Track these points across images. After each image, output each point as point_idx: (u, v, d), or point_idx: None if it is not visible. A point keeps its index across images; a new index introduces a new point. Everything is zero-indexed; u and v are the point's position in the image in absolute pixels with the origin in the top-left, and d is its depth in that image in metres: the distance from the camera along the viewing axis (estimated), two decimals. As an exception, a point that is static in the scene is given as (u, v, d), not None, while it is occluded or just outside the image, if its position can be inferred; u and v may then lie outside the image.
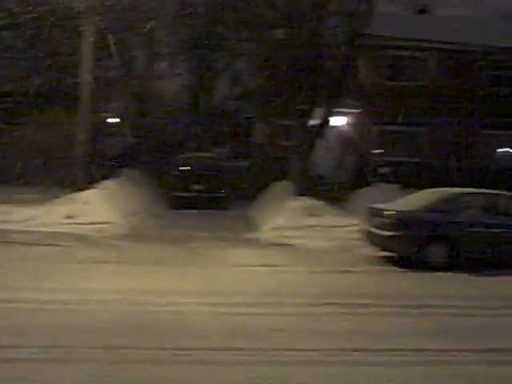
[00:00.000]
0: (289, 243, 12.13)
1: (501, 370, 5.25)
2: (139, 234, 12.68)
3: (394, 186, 16.90)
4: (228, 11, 19.23)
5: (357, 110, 20.06)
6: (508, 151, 19.83)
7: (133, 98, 27.28)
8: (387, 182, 18.07)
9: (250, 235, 13.07)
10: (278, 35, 16.61)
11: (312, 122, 15.83)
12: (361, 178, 18.85)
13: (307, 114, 15.73)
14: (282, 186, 16.72)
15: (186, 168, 18.62)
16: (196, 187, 18.02)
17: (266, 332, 6.03)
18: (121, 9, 15.27)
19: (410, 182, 16.99)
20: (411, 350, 5.68)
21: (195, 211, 17.05)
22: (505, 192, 11.48)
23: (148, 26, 16.48)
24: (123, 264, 9.42)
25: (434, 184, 13.12)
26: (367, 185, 18.01)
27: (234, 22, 18.92)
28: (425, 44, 20.43)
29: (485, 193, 11.05)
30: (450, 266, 9.82)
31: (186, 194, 17.95)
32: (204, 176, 18.19)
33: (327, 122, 16.13)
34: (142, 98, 27.39)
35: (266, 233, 13.13)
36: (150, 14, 16.40)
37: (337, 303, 7.34)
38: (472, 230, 10.09)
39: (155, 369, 4.95)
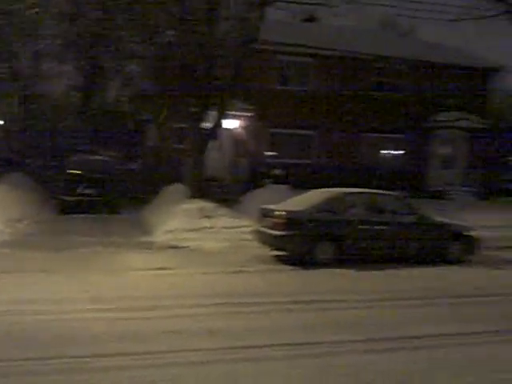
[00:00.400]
0: (183, 245, 12.10)
1: (379, 358, 5.56)
2: (24, 241, 12.02)
3: (286, 187, 17.37)
4: (119, 11, 18.83)
5: (249, 114, 20.41)
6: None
7: (18, 98, 25.93)
8: (279, 183, 18.55)
9: (143, 239, 12.86)
10: (170, 37, 16.52)
11: (205, 125, 15.88)
12: (254, 180, 19.21)
13: (200, 117, 15.76)
14: (176, 188, 16.63)
15: (76, 171, 17.96)
16: (86, 191, 17.44)
17: (158, 335, 5.99)
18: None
19: (301, 182, 17.55)
20: (301, 343, 5.87)
21: (86, 216, 16.49)
22: (388, 191, 12.20)
23: (32, 23, 15.74)
24: (6, 273, 8.90)
25: (323, 185, 13.63)
26: (260, 186, 18.37)
27: (125, 23, 18.56)
28: (312, 50, 21.21)
29: (369, 192, 11.65)
30: (338, 263, 10.25)
31: (75, 199, 17.30)
32: (95, 179, 17.63)
33: (220, 124, 16.26)
34: (28, 99, 26.12)
35: (159, 236, 12.99)
36: (33, 10, 15.67)
37: (229, 303, 7.43)
38: (357, 227, 10.62)
39: (43, 379, 4.75)
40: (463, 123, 23.56)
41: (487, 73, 25.11)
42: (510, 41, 22.37)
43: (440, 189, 23.05)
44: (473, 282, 9.63)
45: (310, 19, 26.61)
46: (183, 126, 17.40)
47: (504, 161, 38.14)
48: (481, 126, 23.87)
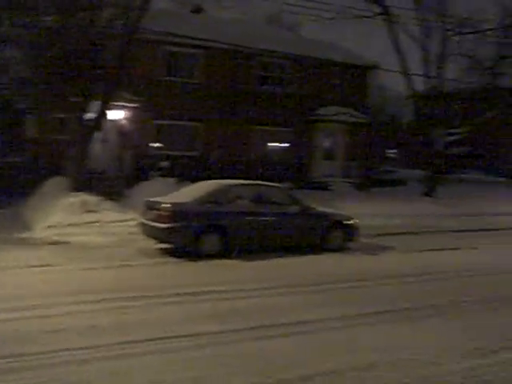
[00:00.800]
0: (65, 241, 11.68)
1: (267, 345, 5.75)
2: None
3: (173, 179, 17.28)
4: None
5: (135, 104, 19.99)
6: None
7: None
8: (166, 175, 18.41)
9: (23, 235, 12.24)
10: (50, 22, 15.77)
11: (88, 116, 15.37)
12: (140, 172, 18.90)
13: (83, 107, 15.23)
14: (58, 181, 15.96)
15: None
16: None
17: (40, 334, 5.77)
18: None
19: (187, 175, 17.54)
20: (187, 335, 5.90)
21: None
22: (272, 183, 12.53)
23: None
24: None
25: (210, 177, 13.73)
26: (146, 179, 18.12)
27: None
28: (199, 42, 21.19)
29: (254, 184, 11.88)
30: (224, 254, 10.39)
31: None
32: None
33: (104, 115, 15.81)
34: None
35: (40, 231, 12.43)
36: None
37: (113, 298, 7.29)
38: (243, 218, 10.81)
39: None
40: (343, 117, 24.70)
41: (366, 70, 26.46)
42: (386, 40, 23.66)
43: (322, 180, 24.02)
44: (353, 267, 10.17)
45: (197, 10, 26.56)
46: (65, 116, 16.74)
47: (381, 153, 40.50)
48: (359, 120, 25.16)
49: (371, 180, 25.66)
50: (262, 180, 12.80)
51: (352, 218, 12.29)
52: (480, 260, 11.29)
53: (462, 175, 30.14)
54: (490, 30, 24.24)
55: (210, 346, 5.65)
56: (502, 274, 9.95)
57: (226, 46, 21.68)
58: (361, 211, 15.61)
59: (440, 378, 5.00)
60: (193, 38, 20.86)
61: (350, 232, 12.10)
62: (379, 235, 14.10)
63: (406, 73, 23.78)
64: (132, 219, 12.57)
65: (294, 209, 11.52)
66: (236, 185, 11.52)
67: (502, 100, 25.44)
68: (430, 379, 4.98)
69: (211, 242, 10.42)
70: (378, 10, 22.86)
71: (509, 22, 24.01)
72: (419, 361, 5.39)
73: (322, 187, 23.10)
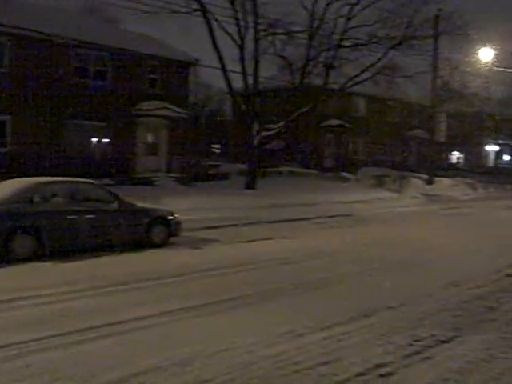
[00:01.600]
0: None
1: (82, 349, 5.49)
2: None
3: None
4: None
5: None
6: None
7: None
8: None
9: None
10: None
11: None
12: None
13: None
14: None
15: None
16: None
17: None
18: None
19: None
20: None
21: None
22: (88, 179, 11.98)
23: None
24: None
25: (21, 174, 12.76)
26: None
27: None
28: (6, 29, 19.63)
29: (68, 181, 11.28)
30: (39, 257, 9.73)
31: None
32: None
33: None
34: None
35: None
36: None
37: None
38: (58, 218, 10.22)
39: None
40: (165, 112, 24.67)
41: (187, 65, 26.69)
42: (206, 36, 23.83)
43: (146, 175, 23.78)
44: (175, 262, 10.09)
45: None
46: None
47: (206, 148, 41.21)
48: (181, 115, 25.31)
49: (195, 174, 26.01)
50: (83, 177, 12.21)
51: (174, 213, 12.25)
52: (293, 248, 11.90)
53: (281, 168, 31.79)
54: (299, 32, 25.90)
55: (21, 356, 5.24)
56: (310, 261, 10.59)
57: (37, 35, 20.36)
58: (184, 206, 15.72)
59: (255, 365, 5.18)
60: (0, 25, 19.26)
61: (172, 227, 12.06)
62: (202, 229, 14.26)
63: (223, 70, 24.40)
64: None
65: (113, 206, 11.15)
66: (48, 182, 10.81)
67: (311, 97, 27.27)
68: (247, 367, 5.13)
69: (23, 244, 9.68)
70: (194, 5, 23.11)
71: (315, 26, 25.81)
72: (235, 350, 5.54)
73: (147, 183, 22.88)
